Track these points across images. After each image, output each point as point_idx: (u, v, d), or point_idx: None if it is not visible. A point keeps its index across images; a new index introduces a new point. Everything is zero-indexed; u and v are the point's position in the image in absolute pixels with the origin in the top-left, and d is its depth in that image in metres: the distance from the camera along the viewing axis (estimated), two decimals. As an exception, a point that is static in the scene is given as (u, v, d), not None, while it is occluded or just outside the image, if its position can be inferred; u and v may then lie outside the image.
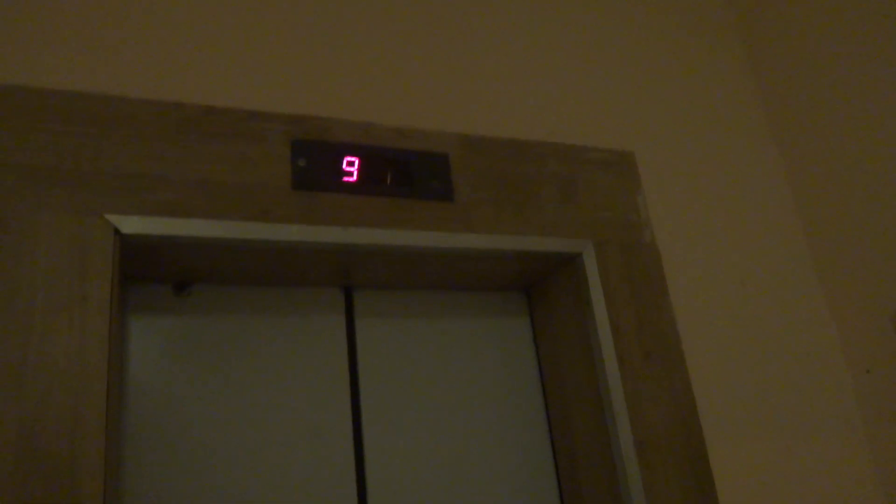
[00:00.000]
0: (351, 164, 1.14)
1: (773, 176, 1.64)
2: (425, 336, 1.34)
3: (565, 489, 1.31)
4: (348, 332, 1.28)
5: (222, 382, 1.16)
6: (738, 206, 1.54)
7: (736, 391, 1.36)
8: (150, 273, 1.12)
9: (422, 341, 1.33)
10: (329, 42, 1.26)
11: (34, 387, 0.86)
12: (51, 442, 0.84)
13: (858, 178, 1.48)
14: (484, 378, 1.35)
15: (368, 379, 1.26)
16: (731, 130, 1.63)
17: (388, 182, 1.16)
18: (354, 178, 1.14)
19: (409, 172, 1.18)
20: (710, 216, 1.50)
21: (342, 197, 1.12)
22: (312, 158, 1.12)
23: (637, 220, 1.36)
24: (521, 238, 1.22)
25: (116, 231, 0.96)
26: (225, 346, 1.18)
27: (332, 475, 1.17)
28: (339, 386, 1.24)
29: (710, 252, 1.46)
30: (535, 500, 1.31)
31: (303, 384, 1.21)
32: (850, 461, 1.42)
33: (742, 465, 1.30)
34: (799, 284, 1.54)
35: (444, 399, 1.31)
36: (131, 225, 0.97)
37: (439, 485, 1.25)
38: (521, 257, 1.25)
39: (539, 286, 1.41)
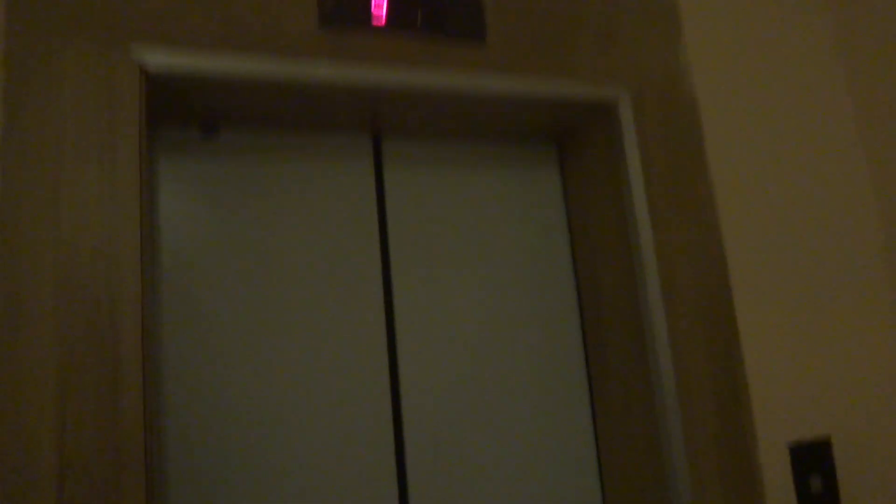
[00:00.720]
0: (380, 1, 1.09)
1: (821, 31, 1.55)
2: (454, 185, 1.33)
3: (590, 339, 1.34)
4: (377, 180, 1.27)
5: (251, 225, 1.17)
6: (783, 61, 1.47)
7: (767, 248, 1.34)
8: (177, 113, 1.11)
9: (450, 191, 1.32)
10: None
11: (69, 218, 0.87)
12: (87, 276, 0.86)
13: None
14: (511, 228, 1.35)
15: (397, 226, 1.27)
16: (784, -23, 1.53)
17: (419, 21, 1.11)
18: (383, 15, 1.09)
19: (440, 10, 1.12)
20: (753, 69, 1.43)
21: (371, 35, 1.08)
22: (340, -6, 1.07)
23: (677, 69, 1.30)
24: (555, 83, 1.18)
25: (142, 67, 0.94)
26: (253, 190, 1.18)
27: (361, 318, 1.21)
28: (367, 232, 1.24)
29: (750, 107, 1.40)
30: (559, 350, 1.34)
31: (332, 229, 1.22)
32: (874, 322, 1.42)
33: (768, 321, 1.31)
34: (839, 145, 1.49)
35: (471, 247, 1.32)
36: (157, 60, 0.95)
37: (465, 328, 1.28)
38: (554, 104, 1.21)
39: (571, 137, 1.38)
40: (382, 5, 1.09)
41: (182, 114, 1.12)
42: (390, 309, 1.24)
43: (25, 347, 0.83)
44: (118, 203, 0.90)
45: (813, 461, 1.29)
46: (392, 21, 1.09)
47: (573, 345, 1.36)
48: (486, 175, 1.36)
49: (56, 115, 0.89)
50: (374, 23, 1.08)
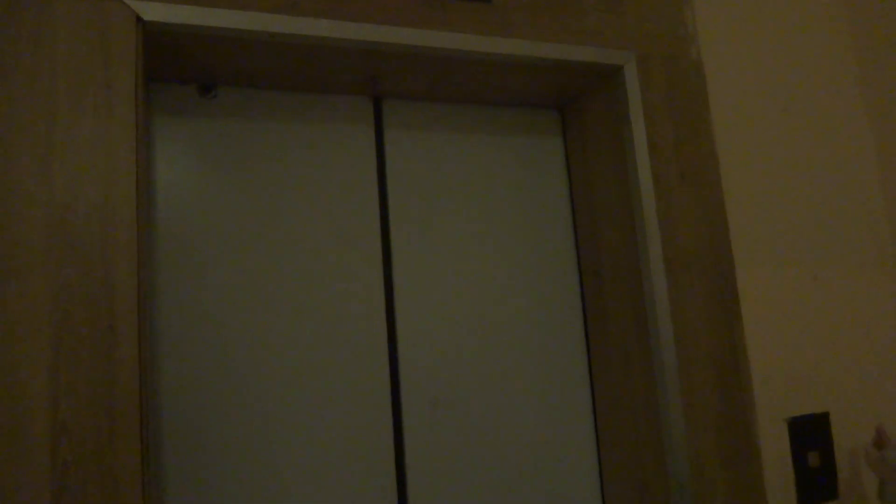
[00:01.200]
0: (383, -43, 1.07)
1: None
2: (455, 151, 1.31)
3: (590, 307, 1.33)
4: (377, 143, 1.25)
5: (248, 186, 1.15)
6: (789, 26, 1.45)
7: (770, 216, 1.33)
8: (174, 70, 1.09)
9: (451, 156, 1.31)
10: None
11: (62, 173, 0.85)
12: (82, 227, 0.84)
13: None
14: (512, 194, 1.34)
15: (397, 190, 1.25)
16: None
17: (422, -22, 1.09)
18: (386, -28, 1.07)
19: (444, -32, 1.10)
20: (761, 36, 1.41)
21: (373, -8, 1.06)
22: (342, -50, 1.04)
23: (684, 34, 1.28)
24: (560, 46, 1.16)
25: (138, 18, 0.92)
26: (252, 151, 1.16)
27: (360, 281, 1.19)
28: (367, 195, 1.23)
29: (756, 74, 1.38)
30: (558, 317, 1.33)
31: (331, 192, 1.20)
32: (877, 294, 1.42)
33: (768, 289, 1.30)
34: (844, 114, 1.47)
35: (471, 212, 1.30)
36: (153, 12, 0.93)
37: (464, 294, 1.27)
38: (558, 68, 1.18)
39: (574, 104, 1.36)
40: (385, -39, 1.06)
41: (179, 71, 1.09)
42: (389, 272, 1.22)
43: (18, 308, 0.81)
44: (113, 159, 0.87)
45: (811, 436, 1.29)
46: (395, -23, 1.07)
47: (573, 311, 1.35)
48: (487, 140, 1.34)
49: (48, 64, 0.86)
50: (377, -21, 1.06)
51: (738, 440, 1.20)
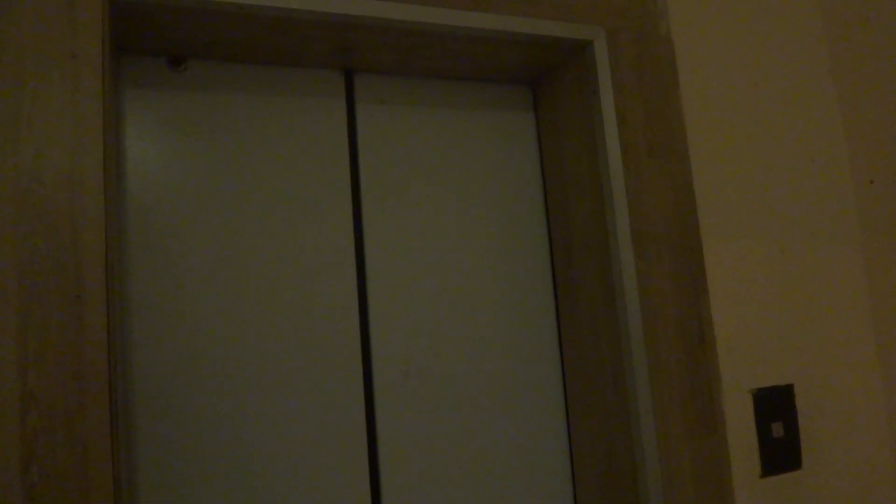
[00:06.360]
0: (353, -72, 1.06)
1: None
2: (427, 125, 1.31)
3: (559, 278, 1.35)
4: (349, 117, 1.25)
5: (219, 160, 1.15)
6: (759, 3, 1.46)
7: (737, 190, 1.35)
8: (143, 42, 1.08)
9: (424, 130, 1.31)
10: None
11: (29, 143, 0.84)
12: (50, 197, 0.84)
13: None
14: (483, 169, 1.35)
15: (368, 164, 1.26)
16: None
17: (392, -50, 1.08)
18: (356, -57, 1.06)
19: (414, -60, 1.10)
20: (730, 11, 1.42)
21: (343, -36, 1.06)
22: (311, -79, 1.04)
23: (654, 9, 1.29)
24: (530, 21, 1.16)
25: (105, -13, 0.91)
26: (223, 124, 1.16)
27: (331, 254, 1.20)
28: (338, 169, 1.23)
29: (725, 50, 1.39)
30: (528, 289, 1.35)
31: (302, 165, 1.20)
32: (843, 269, 1.44)
33: (735, 262, 1.32)
34: (813, 91, 1.49)
35: (443, 188, 1.31)
36: (120, -19, 0.92)
37: (435, 268, 1.28)
38: (529, 42, 1.19)
39: (545, 79, 1.36)
40: (355, -68, 1.06)
41: (149, 43, 1.08)
42: (360, 245, 1.23)
43: (-15, 277, 0.81)
44: (81, 129, 0.87)
45: (775, 407, 1.32)
46: (365, -51, 1.06)
47: (543, 283, 1.36)
48: (459, 115, 1.34)
49: (14, 33, 0.85)
50: (347, -49, 1.05)
51: (704, 411, 1.22)
